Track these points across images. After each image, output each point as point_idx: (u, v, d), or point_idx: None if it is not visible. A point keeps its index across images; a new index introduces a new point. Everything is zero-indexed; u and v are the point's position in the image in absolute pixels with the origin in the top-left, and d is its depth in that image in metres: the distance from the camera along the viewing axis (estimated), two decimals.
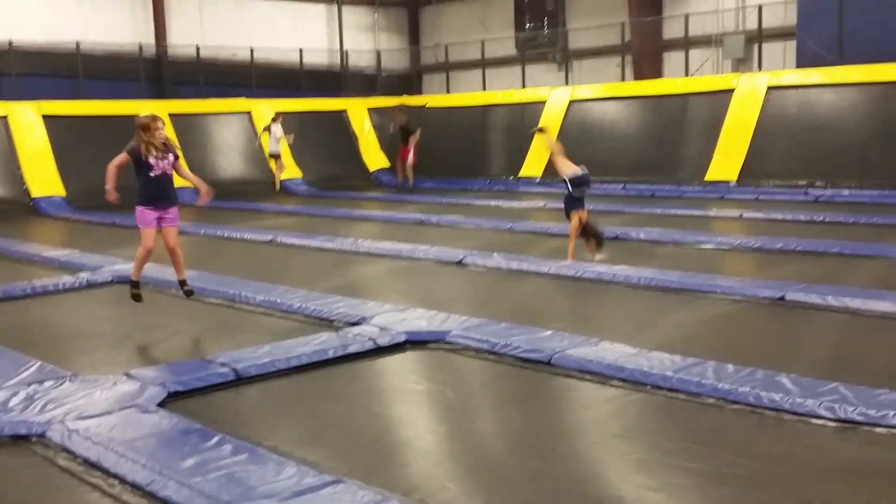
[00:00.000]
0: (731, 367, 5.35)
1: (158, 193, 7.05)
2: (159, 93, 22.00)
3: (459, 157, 21.11)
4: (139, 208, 7.10)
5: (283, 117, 19.80)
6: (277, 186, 19.64)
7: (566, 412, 5.19)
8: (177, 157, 7.16)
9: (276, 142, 19.18)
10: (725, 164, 17.26)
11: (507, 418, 5.05)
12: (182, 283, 7.58)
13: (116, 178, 7.11)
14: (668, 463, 4.22)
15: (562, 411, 5.22)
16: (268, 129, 19.42)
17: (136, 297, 7.45)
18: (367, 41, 27.07)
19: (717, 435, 4.60)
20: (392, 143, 21.06)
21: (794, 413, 4.74)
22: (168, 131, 21.01)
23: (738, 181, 16.90)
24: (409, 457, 4.52)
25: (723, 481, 4.01)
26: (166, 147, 7.04)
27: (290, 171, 20.75)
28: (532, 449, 4.52)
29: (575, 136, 19.80)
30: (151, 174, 6.96)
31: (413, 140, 19.19)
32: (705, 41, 20.95)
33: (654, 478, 4.07)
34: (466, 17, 26.14)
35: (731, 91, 17.80)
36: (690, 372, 5.29)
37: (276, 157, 19.39)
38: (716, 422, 4.79)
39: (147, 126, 6.93)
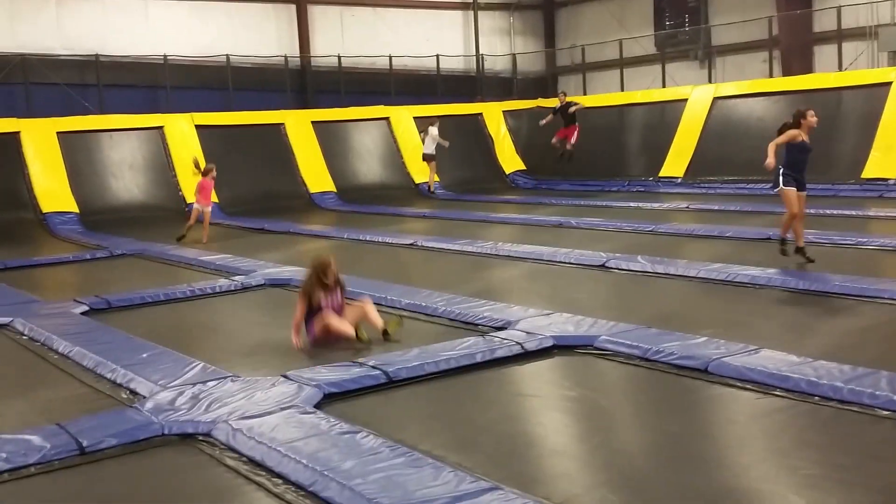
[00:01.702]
0: None
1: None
2: (303, 102, 22.72)
3: (597, 158, 20.79)
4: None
5: (441, 122, 20.02)
6: (431, 188, 19.88)
7: (727, 423, 4.99)
8: (343, 291, 7.04)
9: (433, 144, 19.41)
10: (884, 160, 16.30)
11: (664, 428, 4.89)
12: (385, 332, 7.01)
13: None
14: (843, 479, 3.98)
15: (722, 422, 5.02)
16: (425, 131, 19.71)
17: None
18: (502, 45, 27.10)
19: (894, 450, 4.31)
20: (538, 137, 20.79)
21: None
22: (311, 139, 21.60)
23: None
24: (564, 466, 4.45)
25: None
26: (335, 283, 6.94)
27: (426, 174, 21.03)
28: (693, 461, 4.36)
29: (719, 134, 19.20)
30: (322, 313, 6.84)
31: (577, 111, 18.94)
32: (859, 34, 19.87)
33: (830, 495, 3.84)
34: (603, 17, 25.76)
35: (888, 84, 16.82)
36: (862, 383, 4.98)
37: (431, 159, 19.62)
38: (893, 436, 4.48)
39: (325, 268, 6.84)
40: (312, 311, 6.87)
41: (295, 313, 6.88)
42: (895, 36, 18.99)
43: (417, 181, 20.97)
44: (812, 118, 8.55)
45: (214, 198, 14.33)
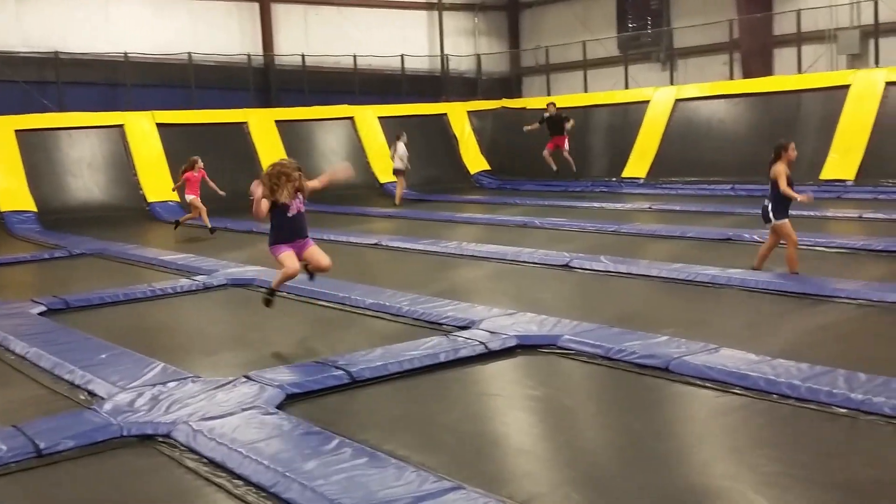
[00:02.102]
0: (862, 375, 5.09)
1: (296, 233, 6.98)
2: (266, 101, 22.57)
3: (561, 159, 20.86)
4: (275, 246, 7.00)
5: (406, 131, 19.71)
6: (398, 201, 19.63)
7: (687, 421, 5.03)
8: (304, 195, 7.03)
9: (401, 160, 19.13)
10: (842, 162, 16.59)
11: (626, 426, 4.92)
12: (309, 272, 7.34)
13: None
14: (801, 476, 4.04)
15: (683, 420, 5.07)
16: (394, 146, 19.40)
17: (269, 304, 7.28)
18: (467, 45, 27.14)
19: (851, 447, 4.38)
20: (502, 137, 20.58)
21: None
22: (275, 138, 21.46)
23: (855, 180, 16.22)
24: (528, 465, 4.46)
25: (864, 497, 3.80)
26: (298, 187, 6.94)
27: (391, 174, 20.97)
28: (655, 459, 4.39)
29: (681, 135, 19.40)
30: (287, 215, 6.88)
31: (567, 126, 18.76)
32: (818, 37, 20.19)
33: (789, 492, 3.89)
34: (567, 19, 25.90)
35: (846, 87, 17.11)
36: (820, 381, 5.06)
37: (400, 173, 19.34)
38: (850, 433, 4.55)
39: (288, 175, 6.86)
40: (274, 208, 6.82)
41: (259, 205, 6.75)
42: (854, 39, 19.33)
43: (382, 181, 20.92)
44: (793, 152, 8.56)
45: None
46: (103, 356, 6.38)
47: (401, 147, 18.91)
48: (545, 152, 18.91)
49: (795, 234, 8.56)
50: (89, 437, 4.79)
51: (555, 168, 18.86)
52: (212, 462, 4.45)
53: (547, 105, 19.57)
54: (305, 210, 7.02)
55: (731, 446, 4.58)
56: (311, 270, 7.34)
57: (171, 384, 5.61)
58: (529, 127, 19.03)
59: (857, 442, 4.45)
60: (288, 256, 6.96)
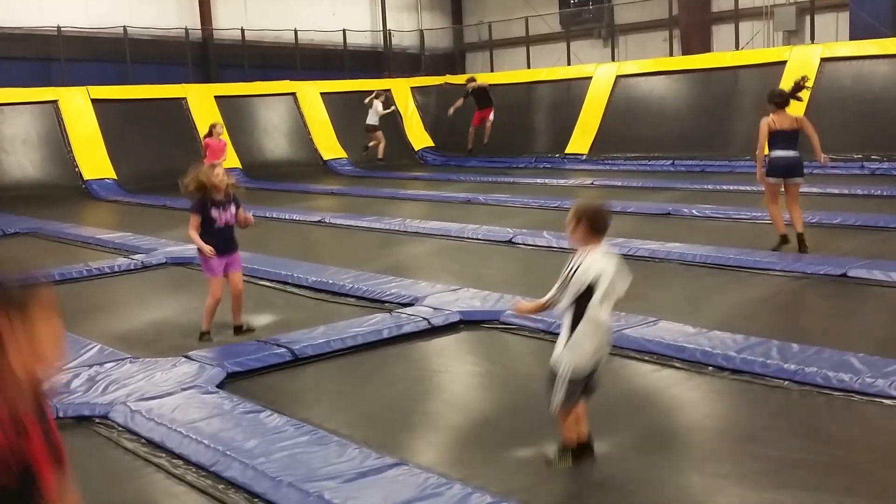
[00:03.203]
0: (796, 346, 5.22)
1: (224, 244, 6.53)
2: (205, 76, 22.14)
3: (504, 135, 20.89)
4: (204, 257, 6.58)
5: (386, 95, 20.08)
6: (381, 154, 19.61)
7: (627, 395, 5.10)
8: (238, 206, 6.65)
9: (375, 115, 19.46)
10: None
11: None
12: (238, 328, 6.72)
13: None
14: (737, 449, 4.14)
15: (622, 394, 5.13)
16: (370, 102, 19.57)
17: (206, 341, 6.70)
18: (410, 21, 26.93)
19: (786, 418, 4.49)
20: (445, 119, 20.63)
21: (865, 394, 4.61)
22: (214, 114, 21.04)
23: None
24: (470, 440, 4.48)
25: (796, 466, 3.91)
26: (227, 197, 6.56)
27: (334, 151, 20.79)
28: (594, 434, 4.45)
29: (622, 112, 19.55)
30: (215, 226, 6.50)
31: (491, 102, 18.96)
32: (755, 13, 20.48)
33: (723, 464, 3.98)
34: None
35: (783, 63, 17.37)
36: (754, 352, 5.18)
37: (374, 129, 19.52)
38: (783, 404, 4.67)
39: (208, 184, 6.45)
40: (206, 222, 6.45)
41: (190, 227, 6.47)
42: (790, 16, 19.66)
43: (326, 157, 20.75)
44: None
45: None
46: None
47: (377, 105, 19.35)
48: (471, 129, 19.13)
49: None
50: None
51: (469, 147, 19.15)
52: (151, 442, 4.40)
53: (466, 80, 19.74)
54: (235, 220, 6.60)
55: (668, 419, 4.66)
56: (237, 325, 6.73)
57: (108, 365, 5.51)
58: (453, 108, 19.15)
59: (791, 413, 4.57)
60: (215, 283, 6.51)
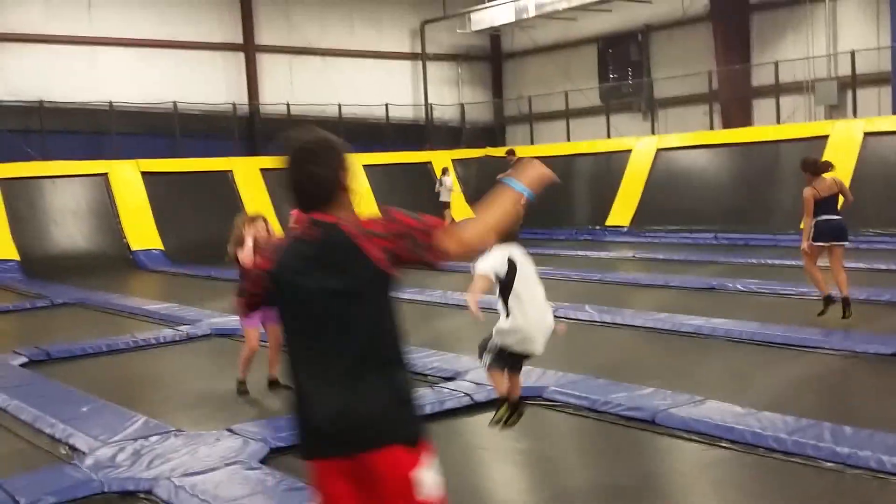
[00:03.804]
0: (848, 429, 5.10)
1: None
2: (252, 149, 22.63)
3: (544, 206, 20.97)
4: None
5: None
6: None
7: (674, 474, 5.02)
8: None
9: (447, 192, 20.34)
10: None
11: (613, 480, 4.90)
12: (273, 381, 6.98)
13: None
14: None
15: (670, 473, 5.05)
16: (439, 181, 20.64)
17: (243, 393, 7.02)
18: (450, 95, 27.43)
19: (838, 501, 4.37)
20: (486, 191, 20.95)
21: None
22: (259, 186, 21.29)
23: None
24: None
25: None
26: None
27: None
28: None
29: (663, 184, 19.59)
30: None
31: None
32: (796, 88, 20.53)
33: None
34: (549, 69, 26.25)
35: (825, 137, 17.36)
36: (806, 434, 5.06)
37: (446, 206, 20.34)
38: (836, 487, 4.55)
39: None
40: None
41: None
42: (832, 90, 19.67)
43: None
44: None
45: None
46: (84, 409, 6.32)
47: (447, 180, 20.19)
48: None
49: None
50: (70, 493, 4.72)
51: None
52: None
53: (506, 153, 20.20)
54: None
55: (717, 499, 4.56)
56: (272, 379, 6.96)
57: (153, 438, 5.55)
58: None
59: (844, 497, 4.45)
60: (251, 335, 6.74)
